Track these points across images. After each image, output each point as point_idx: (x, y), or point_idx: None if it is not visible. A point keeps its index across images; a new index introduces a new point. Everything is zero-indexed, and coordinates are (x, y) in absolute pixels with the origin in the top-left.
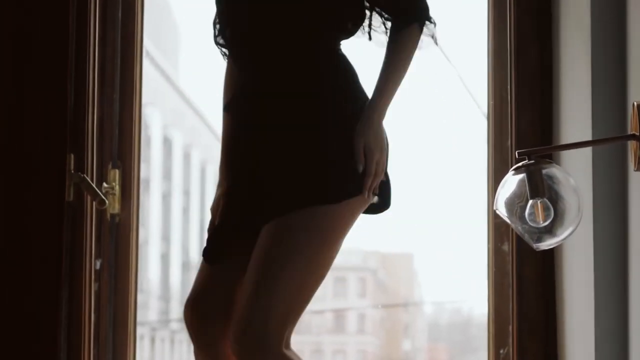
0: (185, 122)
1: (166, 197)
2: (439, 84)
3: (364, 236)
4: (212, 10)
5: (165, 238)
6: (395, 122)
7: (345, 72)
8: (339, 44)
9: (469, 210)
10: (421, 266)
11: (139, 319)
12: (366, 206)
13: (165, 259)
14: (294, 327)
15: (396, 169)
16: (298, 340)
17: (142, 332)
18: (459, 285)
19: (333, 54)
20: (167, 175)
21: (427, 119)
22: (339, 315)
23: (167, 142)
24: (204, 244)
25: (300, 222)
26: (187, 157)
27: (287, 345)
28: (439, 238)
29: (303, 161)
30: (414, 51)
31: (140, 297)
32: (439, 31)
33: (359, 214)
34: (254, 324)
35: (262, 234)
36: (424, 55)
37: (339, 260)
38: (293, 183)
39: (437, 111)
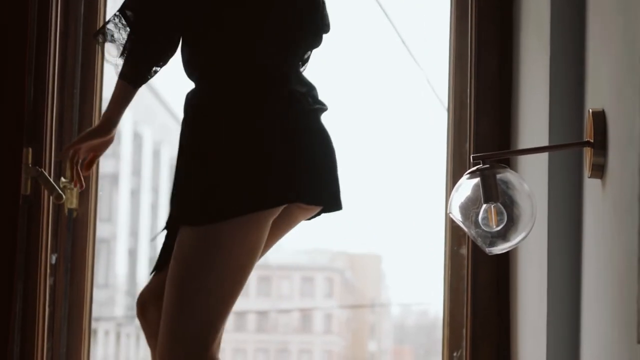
0: (156, 119)
1: (135, 193)
2: (406, 87)
3: (331, 237)
4: None
5: (134, 234)
6: (364, 124)
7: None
8: None
9: (435, 213)
10: (389, 268)
11: (105, 314)
12: (264, 221)
13: (132, 254)
14: (220, 333)
15: (364, 170)
16: (264, 339)
17: (108, 327)
18: (426, 288)
19: None
20: (136, 171)
21: (395, 121)
22: (306, 314)
23: (137, 138)
24: None
25: (190, 238)
26: (157, 154)
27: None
28: (407, 240)
29: (193, 179)
30: None
31: (106, 293)
32: (407, 33)
33: (260, 229)
34: (171, 350)
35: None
36: (390, 57)
37: (307, 260)
38: (183, 198)
39: (404, 113)
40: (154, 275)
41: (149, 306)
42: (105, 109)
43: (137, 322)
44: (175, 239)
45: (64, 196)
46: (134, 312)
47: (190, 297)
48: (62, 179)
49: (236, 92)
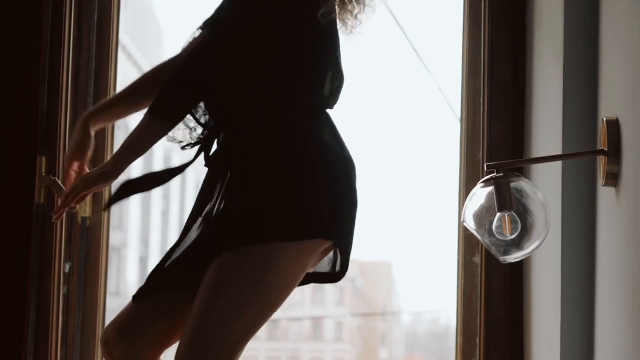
0: None
1: (145, 201)
2: (418, 94)
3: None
4: (194, 13)
5: (144, 241)
6: (375, 131)
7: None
8: None
9: (447, 221)
10: (400, 275)
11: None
12: (318, 251)
13: (143, 262)
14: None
15: (375, 177)
16: (275, 347)
17: None
18: (437, 296)
19: None
20: None
21: (405, 128)
22: (317, 322)
23: None
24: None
25: (246, 260)
26: (167, 161)
27: None
28: (418, 247)
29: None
30: None
31: (117, 301)
32: (418, 40)
33: (309, 262)
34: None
35: (209, 269)
36: (402, 64)
37: None
38: (247, 217)
39: (415, 121)
40: (130, 307)
41: (115, 343)
42: (122, 150)
43: None
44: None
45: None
46: None
47: (225, 316)
48: None
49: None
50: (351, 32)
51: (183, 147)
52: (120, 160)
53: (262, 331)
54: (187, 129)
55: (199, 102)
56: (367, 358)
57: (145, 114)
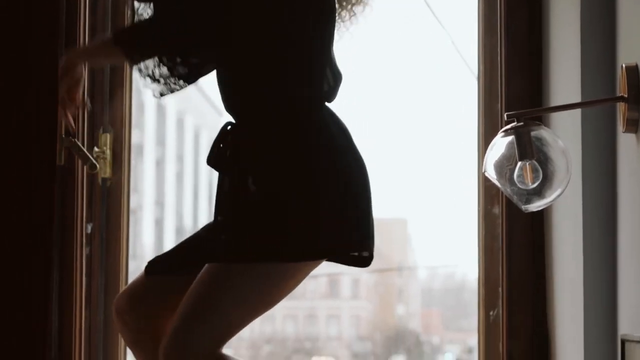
0: None
1: (160, 163)
2: (431, 49)
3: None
4: None
5: (159, 203)
6: (388, 88)
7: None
8: None
9: (462, 175)
10: (415, 231)
11: None
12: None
13: (159, 224)
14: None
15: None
16: (292, 306)
17: None
18: (453, 251)
19: None
20: (160, 141)
21: (419, 85)
22: (333, 280)
23: (160, 109)
24: (198, 209)
25: (244, 272)
26: (180, 123)
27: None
28: (433, 203)
29: (262, 214)
30: None
31: (133, 263)
32: None
33: (305, 276)
34: (185, 341)
35: (209, 268)
36: (415, 20)
37: None
38: (250, 233)
39: (429, 76)
40: (140, 278)
41: (126, 311)
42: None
43: None
44: (194, 252)
45: (97, 166)
46: None
47: (209, 315)
48: (95, 149)
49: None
50: (347, 27)
51: (160, 95)
52: (75, 56)
53: None
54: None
55: (164, 53)
56: (384, 314)
57: (110, 39)
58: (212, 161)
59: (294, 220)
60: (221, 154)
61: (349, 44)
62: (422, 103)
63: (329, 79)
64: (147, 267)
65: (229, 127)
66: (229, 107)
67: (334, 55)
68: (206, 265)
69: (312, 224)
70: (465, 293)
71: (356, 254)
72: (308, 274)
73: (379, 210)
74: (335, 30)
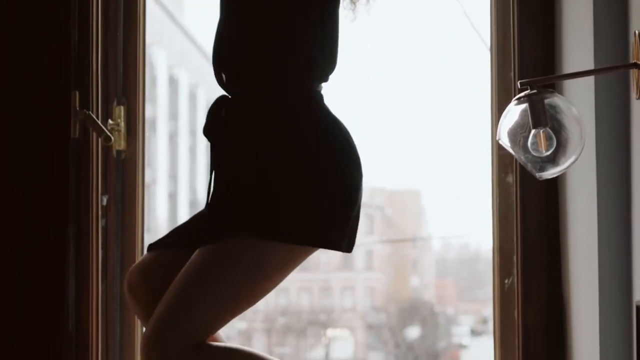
0: (191, 62)
1: (173, 137)
2: (443, 19)
3: (370, 173)
4: None
5: (173, 177)
6: (401, 59)
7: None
8: None
9: (474, 144)
10: (429, 203)
11: None
12: (308, 255)
13: (173, 198)
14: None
15: (401, 105)
16: (306, 278)
17: None
18: (467, 221)
19: None
20: (173, 115)
21: (432, 55)
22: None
23: (173, 82)
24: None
25: (237, 251)
26: (192, 97)
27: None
28: (447, 173)
29: (262, 190)
30: None
31: (148, 236)
32: None
33: (301, 261)
34: (160, 339)
35: (204, 248)
36: None
37: None
38: (244, 209)
39: (442, 47)
40: (150, 253)
41: (138, 287)
42: None
43: None
44: (196, 228)
45: (112, 138)
46: None
47: (200, 296)
48: (110, 121)
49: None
50: (363, 5)
51: None
52: None
53: None
54: None
55: None
56: (398, 285)
57: None
58: (206, 131)
59: (289, 201)
60: (216, 127)
61: (363, 18)
62: (434, 73)
63: (327, 55)
64: (150, 244)
65: (222, 101)
66: (224, 80)
67: (337, 37)
68: (197, 250)
69: (308, 208)
70: (480, 263)
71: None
72: (293, 267)
73: (392, 181)
74: (351, 11)
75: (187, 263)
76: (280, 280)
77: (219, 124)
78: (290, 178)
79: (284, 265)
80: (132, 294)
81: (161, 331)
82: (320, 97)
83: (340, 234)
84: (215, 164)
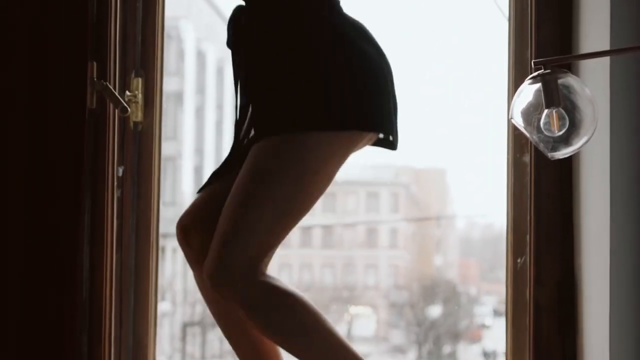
0: (219, 36)
1: (199, 111)
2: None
3: (396, 151)
4: None
5: (199, 151)
6: (423, 35)
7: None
8: None
9: (501, 124)
10: (454, 181)
11: (173, 231)
12: (350, 146)
13: (198, 172)
14: (272, 255)
15: (425, 83)
16: (330, 255)
17: (175, 245)
18: (492, 200)
19: None
20: (200, 89)
21: (454, 31)
22: (371, 229)
23: (200, 56)
24: None
25: (278, 151)
26: (220, 72)
27: (264, 271)
28: (472, 153)
29: (295, 83)
30: None
31: (174, 210)
32: None
33: (345, 152)
34: (224, 259)
35: (246, 159)
36: None
37: (371, 175)
38: (275, 107)
39: (463, 23)
40: (199, 196)
41: (191, 231)
42: None
43: None
44: (234, 155)
45: (129, 109)
46: None
47: (256, 205)
48: (127, 92)
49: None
50: None
51: None
52: None
53: (317, 238)
54: None
55: None
56: (422, 264)
57: None
58: (229, 43)
59: (317, 92)
60: (237, 35)
61: None
62: (457, 51)
63: None
64: (198, 190)
65: (241, 9)
66: None
67: None
68: (240, 173)
69: (336, 94)
70: (504, 243)
71: (382, 136)
72: (339, 160)
73: (417, 160)
74: None
75: (235, 183)
76: (330, 176)
77: (240, 32)
78: (314, 70)
79: (328, 155)
80: (184, 239)
81: (226, 253)
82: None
83: (377, 116)
84: (240, 73)
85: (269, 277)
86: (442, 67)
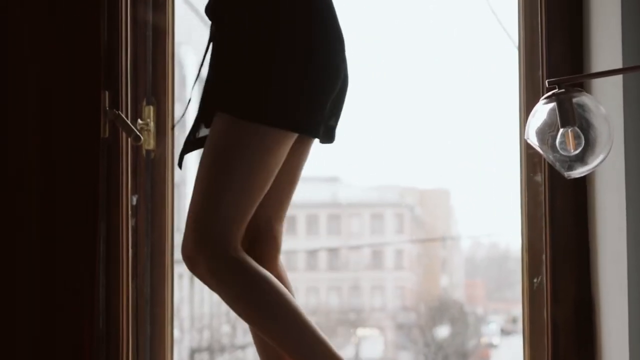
0: None
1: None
2: (471, 17)
3: (400, 172)
4: None
5: None
6: (428, 58)
7: None
8: None
9: (502, 143)
10: (458, 202)
11: (178, 258)
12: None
13: None
14: (242, 228)
15: (430, 105)
16: (336, 277)
17: (181, 271)
18: (496, 221)
19: None
20: None
21: (459, 53)
22: (377, 251)
23: (202, 82)
24: None
25: (220, 130)
26: None
27: (238, 247)
28: (475, 173)
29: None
30: None
31: (178, 237)
32: None
33: (286, 147)
34: (195, 234)
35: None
36: None
37: (375, 196)
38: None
39: (470, 45)
40: None
41: None
42: None
43: None
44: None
45: (141, 138)
46: None
47: (217, 187)
48: (139, 121)
49: None
50: None
51: None
52: None
53: (322, 261)
54: None
55: None
56: (428, 285)
57: None
58: (207, 9)
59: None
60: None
61: (388, 13)
62: (462, 73)
63: None
64: None
65: None
66: None
67: None
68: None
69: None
70: (509, 262)
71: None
72: (276, 154)
73: (421, 181)
74: None
75: (200, 161)
76: (269, 167)
77: (218, 2)
78: (265, 57)
79: (262, 148)
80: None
81: (195, 228)
82: None
83: (311, 117)
84: (213, 41)
85: (243, 254)
86: (445, 89)
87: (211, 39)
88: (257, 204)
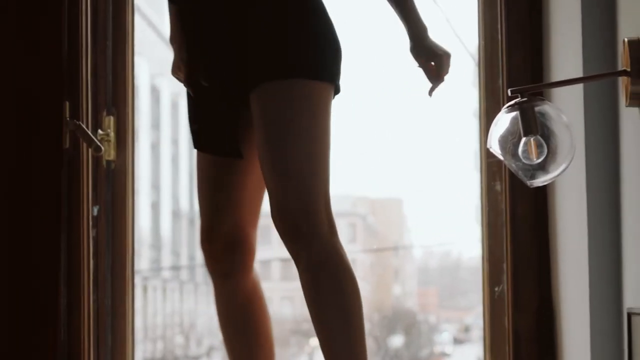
0: None
1: (155, 147)
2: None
3: (352, 182)
4: None
5: (155, 187)
6: (382, 65)
7: None
8: None
9: (457, 154)
10: (411, 211)
11: (137, 268)
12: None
13: (155, 207)
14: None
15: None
16: (288, 287)
17: (134, 281)
18: (449, 229)
19: None
20: (155, 124)
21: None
22: None
23: (155, 92)
24: (193, 193)
25: (289, 91)
26: (175, 106)
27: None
28: (428, 183)
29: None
30: None
31: (138, 247)
32: None
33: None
34: (290, 205)
35: (254, 106)
36: None
37: None
38: (282, 51)
39: None
40: (208, 208)
41: (213, 248)
42: None
43: (163, 274)
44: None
45: (102, 148)
46: (159, 264)
47: (314, 160)
48: (100, 131)
49: None
50: None
51: None
52: None
53: (276, 271)
54: None
55: None
56: (381, 294)
57: None
58: None
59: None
60: None
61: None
62: (415, 82)
63: None
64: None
65: None
66: None
67: None
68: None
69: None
70: (461, 271)
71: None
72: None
73: (375, 190)
74: None
75: (259, 144)
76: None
77: None
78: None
79: (327, 109)
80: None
81: (310, 211)
82: None
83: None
84: (230, 23)
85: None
86: (398, 98)
87: (220, 23)
88: None
